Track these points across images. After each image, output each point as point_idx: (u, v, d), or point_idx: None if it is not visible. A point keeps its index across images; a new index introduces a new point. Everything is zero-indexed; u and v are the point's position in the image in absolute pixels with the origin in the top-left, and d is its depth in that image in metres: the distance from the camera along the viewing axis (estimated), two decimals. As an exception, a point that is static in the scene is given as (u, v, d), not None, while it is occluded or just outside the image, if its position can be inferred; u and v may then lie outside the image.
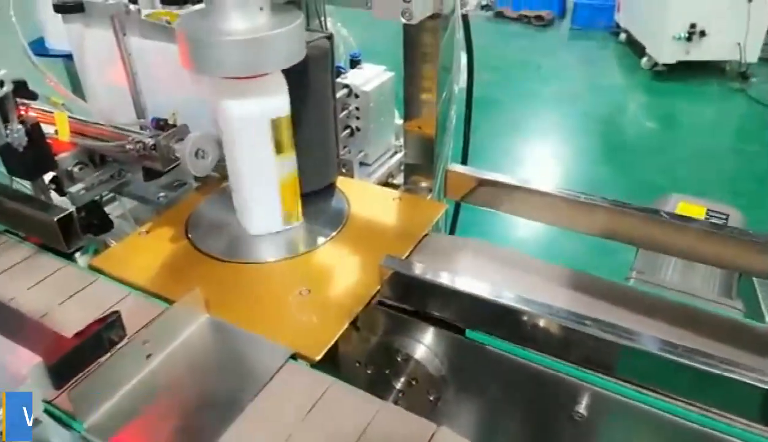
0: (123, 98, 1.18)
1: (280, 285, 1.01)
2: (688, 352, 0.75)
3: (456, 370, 0.94)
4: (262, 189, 1.09)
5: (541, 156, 4.24)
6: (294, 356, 0.85)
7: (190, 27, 0.96)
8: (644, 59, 5.23)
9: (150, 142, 1.06)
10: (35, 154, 1.07)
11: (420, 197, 1.26)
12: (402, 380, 0.96)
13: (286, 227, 1.14)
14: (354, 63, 1.69)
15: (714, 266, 1.10)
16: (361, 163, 1.66)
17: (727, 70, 5.07)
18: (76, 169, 1.16)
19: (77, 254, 1.10)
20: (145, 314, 0.87)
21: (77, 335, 0.78)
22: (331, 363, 0.91)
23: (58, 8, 1.18)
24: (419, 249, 1.10)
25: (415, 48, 1.15)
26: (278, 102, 1.02)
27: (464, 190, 1.22)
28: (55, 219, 1.01)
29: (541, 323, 0.83)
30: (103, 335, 0.80)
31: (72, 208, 1.07)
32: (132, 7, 1.12)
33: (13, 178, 1.15)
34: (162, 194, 1.26)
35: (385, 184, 1.68)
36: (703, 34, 4.78)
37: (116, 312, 0.82)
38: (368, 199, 1.25)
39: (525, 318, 0.84)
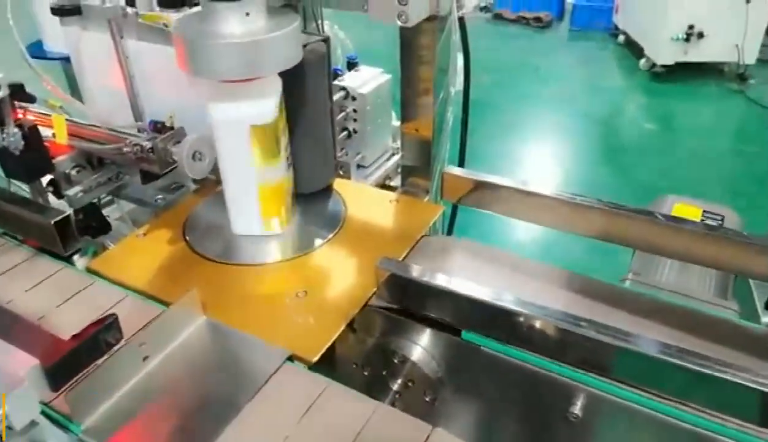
0: (120, 101, 1.19)
1: (277, 287, 1.02)
2: (682, 353, 0.75)
3: (452, 371, 0.94)
4: (241, 193, 1.10)
5: (539, 157, 4.24)
6: (291, 358, 0.85)
7: (185, 29, 0.96)
8: (643, 60, 5.24)
9: (147, 145, 1.07)
10: (32, 157, 1.08)
11: (417, 199, 1.26)
12: (399, 381, 0.97)
13: (266, 233, 1.13)
14: (351, 65, 1.70)
15: (709, 268, 1.10)
16: (359, 166, 1.67)
17: (726, 71, 5.07)
18: (73, 172, 1.16)
19: (76, 257, 1.11)
20: (143, 316, 0.88)
21: (74, 337, 0.78)
22: (329, 365, 0.91)
23: (56, 11, 1.18)
24: (416, 251, 1.10)
25: (412, 50, 1.15)
26: (261, 109, 1.01)
27: (461, 193, 1.22)
28: (52, 222, 1.02)
29: (537, 324, 0.83)
30: (100, 338, 0.80)
31: (69, 211, 1.07)
32: (129, 10, 1.12)
33: (11, 180, 1.15)
34: (159, 197, 1.26)
35: (383, 186, 1.68)
36: (701, 35, 4.78)
37: (113, 314, 0.82)
38: (365, 201, 1.26)
39: (521, 320, 0.84)
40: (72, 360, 0.77)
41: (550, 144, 4.40)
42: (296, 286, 1.00)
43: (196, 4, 1.09)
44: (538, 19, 6.54)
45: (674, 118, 4.65)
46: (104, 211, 1.29)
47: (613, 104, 4.90)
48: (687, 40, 4.80)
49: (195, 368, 0.85)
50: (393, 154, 1.76)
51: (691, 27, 4.76)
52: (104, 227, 1.25)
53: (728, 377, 0.72)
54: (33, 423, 0.70)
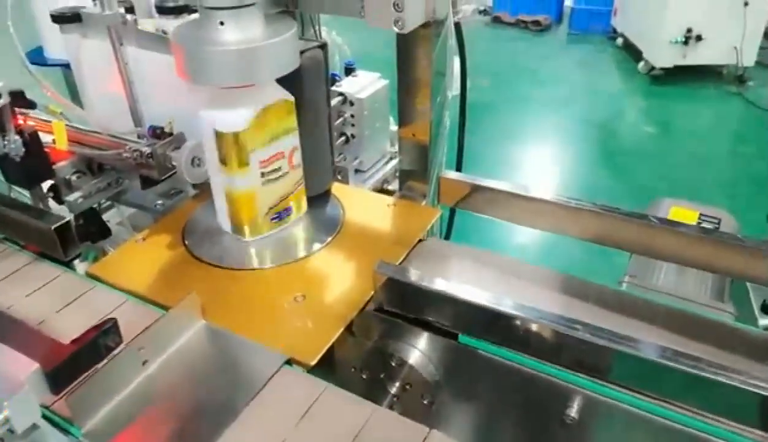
0: (120, 107, 1.20)
1: (276, 291, 1.02)
2: (678, 356, 0.75)
3: (450, 374, 0.95)
4: (216, 194, 1.13)
5: (538, 161, 4.25)
6: (289, 362, 0.86)
7: (182, 36, 0.97)
8: (641, 63, 5.25)
9: (147, 150, 1.08)
10: (33, 164, 1.08)
11: (414, 203, 1.27)
12: (397, 384, 0.97)
13: (237, 238, 1.13)
14: (349, 71, 1.71)
15: (705, 271, 1.11)
16: (357, 170, 1.68)
17: (724, 73, 5.09)
18: (74, 178, 1.17)
19: (76, 261, 1.12)
20: (142, 321, 0.88)
21: (74, 341, 0.79)
22: (327, 368, 0.92)
23: (56, 18, 1.19)
24: (413, 255, 1.11)
25: (409, 55, 1.16)
26: (228, 117, 1.00)
27: (458, 197, 1.23)
28: (53, 227, 1.02)
29: (533, 327, 0.84)
30: (100, 342, 0.81)
31: (69, 217, 1.08)
32: (129, 17, 1.13)
33: (12, 186, 1.16)
34: (159, 202, 1.27)
35: (380, 190, 1.69)
36: (699, 38, 4.80)
37: (113, 319, 0.83)
38: (363, 205, 1.26)
39: (517, 323, 0.85)
40: (72, 364, 0.77)
41: (548, 147, 4.41)
42: (295, 290, 1.01)
43: (195, 11, 1.10)
44: (536, 23, 6.55)
45: (673, 120, 4.66)
46: (104, 217, 1.30)
47: (612, 107, 4.91)
48: (685, 43, 4.81)
49: (194, 372, 0.85)
50: (391, 159, 1.77)
51: (689, 30, 4.77)
52: (104, 232, 1.25)
53: (724, 380, 0.73)
54: (34, 426, 0.71)
